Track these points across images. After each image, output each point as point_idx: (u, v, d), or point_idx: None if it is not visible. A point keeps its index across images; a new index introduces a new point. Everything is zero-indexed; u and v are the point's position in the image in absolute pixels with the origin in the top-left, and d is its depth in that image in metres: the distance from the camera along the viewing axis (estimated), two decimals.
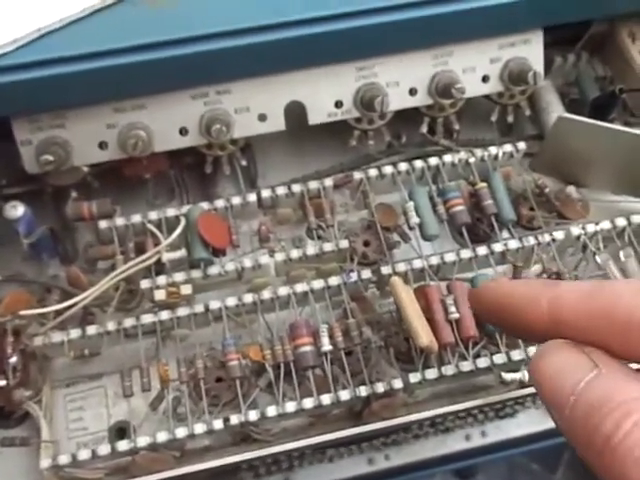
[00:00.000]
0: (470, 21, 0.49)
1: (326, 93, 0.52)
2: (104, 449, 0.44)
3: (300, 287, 0.49)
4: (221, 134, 0.49)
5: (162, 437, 0.44)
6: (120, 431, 0.49)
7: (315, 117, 0.52)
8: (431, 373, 0.46)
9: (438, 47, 0.52)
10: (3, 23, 0.43)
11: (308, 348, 0.46)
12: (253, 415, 0.45)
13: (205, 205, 0.51)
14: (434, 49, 0.52)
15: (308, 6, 0.47)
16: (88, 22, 0.45)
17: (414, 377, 0.46)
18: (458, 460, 0.89)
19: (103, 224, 0.50)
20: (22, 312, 0.45)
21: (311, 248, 0.50)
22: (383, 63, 0.51)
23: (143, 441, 0.44)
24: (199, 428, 0.44)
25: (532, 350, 0.47)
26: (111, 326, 0.47)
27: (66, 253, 0.53)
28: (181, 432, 0.44)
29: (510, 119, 0.56)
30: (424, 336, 0.44)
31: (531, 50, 0.53)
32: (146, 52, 0.46)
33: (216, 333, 0.49)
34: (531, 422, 0.90)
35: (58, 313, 0.48)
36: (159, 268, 0.50)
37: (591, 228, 0.51)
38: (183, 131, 0.51)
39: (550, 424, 0.91)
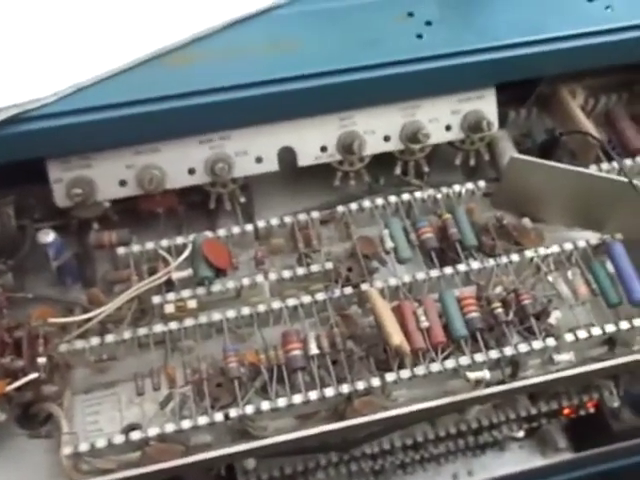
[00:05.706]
0: (432, 79, 0.59)
1: (313, 139, 0.61)
2: (119, 438, 0.50)
3: (291, 302, 0.56)
4: (223, 172, 0.58)
5: (170, 428, 0.51)
6: (132, 430, 0.55)
7: (304, 160, 0.61)
8: (405, 373, 0.53)
9: (407, 101, 0.61)
10: (46, 78, 0.53)
11: (297, 352, 0.53)
12: (249, 409, 0.51)
13: (209, 233, 0.59)
14: (403, 103, 0.61)
15: (296, 64, 0.57)
16: (116, 79, 0.55)
17: (390, 376, 0.53)
18: None
19: (121, 250, 0.58)
20: (50, 320, 0.52)
21: (300, 270, 0.58)
22: (361, 114, 0.61)
23: (153, 431, 0.50)
24: (202, 420, 0.51)
25: (494, 353, 0.55)
26: (127, 334, 0.54)
27: (87, 278, 0.61)
28: (186, 424, 0.51)
29: (472, 162, 0.65)
30: (396, 336, 0.51)
31: (485, 104, 0.63)
32: (161, 103, 0.55)
33: (218, 346, 0.56)
34: (516, 461, 0.96)
35: (79, 326, 0.55)
36: (169, 288, 0.57)
37: (542, 251, 0.59)
38: (191, 171, 0.59)
39: (535, 463, 0.96)
